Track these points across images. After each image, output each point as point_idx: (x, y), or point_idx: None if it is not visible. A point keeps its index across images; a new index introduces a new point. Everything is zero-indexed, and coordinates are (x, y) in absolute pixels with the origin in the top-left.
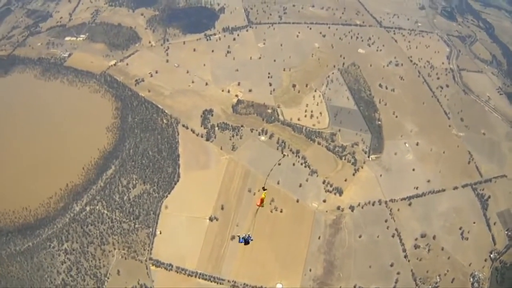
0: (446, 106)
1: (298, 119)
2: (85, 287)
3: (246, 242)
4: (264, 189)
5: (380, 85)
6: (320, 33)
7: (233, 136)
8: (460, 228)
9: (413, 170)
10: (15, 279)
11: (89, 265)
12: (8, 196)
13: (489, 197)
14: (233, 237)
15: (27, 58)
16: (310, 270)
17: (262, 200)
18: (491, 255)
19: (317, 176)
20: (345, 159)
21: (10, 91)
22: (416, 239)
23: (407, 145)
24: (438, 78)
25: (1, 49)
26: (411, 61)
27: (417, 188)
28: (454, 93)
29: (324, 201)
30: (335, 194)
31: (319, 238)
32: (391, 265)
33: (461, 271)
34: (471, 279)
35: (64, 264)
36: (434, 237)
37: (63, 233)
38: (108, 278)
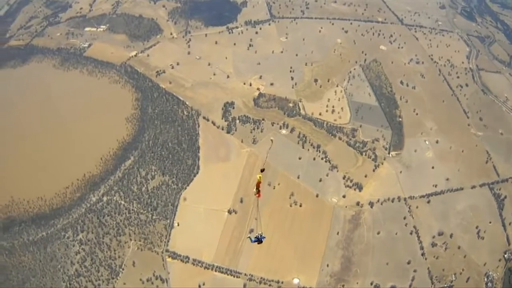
0: (465, 105)
1: (320, 114)
2: (99, 278)
3: (259, 241)
4: (262, 170)
5: (401, 82)
6: (342, 28)
7: (254, 129)
8: (477, 227)
9: (433, 167)
10: (27, 269)
11: (104, 256)
12: (23, 185)
13: (505, 197)
14: (251, 230)
15: (45, 48)
16: (328, 266)
17: (258, 185)
18: (505, 255)
19: (337, 171)
20: (365, 154)
21: (27, 80)
22: (433, 237)
23: (427, 142)
24: (458, 77)
25: (19, 39)
26: (431, 59)
27: (436, 186)
28: (473, 92)
29: (344, 196)
30: (354, 189)
31: (337, 233)
32: (408, 263)
33: (476, 271)
34: (485, 279)
35: (78, 255)
36: (451, 236)
37: (78, 223)
38: (123, 270)
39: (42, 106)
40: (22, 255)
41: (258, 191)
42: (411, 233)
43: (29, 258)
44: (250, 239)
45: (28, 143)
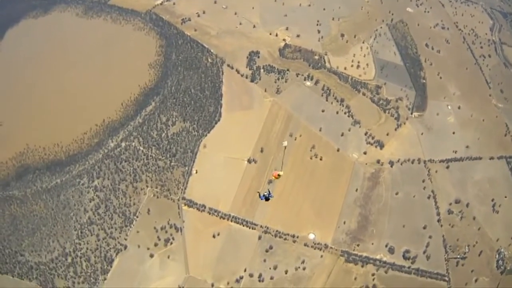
0: (487, 75)
1: (345, 68)
2: (112, 225)
3: (267, 199)
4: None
5: (427, 45)
6: None
7: (278, 79)
8: (492, 200)
9: (453, 133)
10: (38, 218)
11: (118, 203)
12: (40, 132)
13: None
14: (270, 181)
15: None
16: (344, 223)
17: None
18: None
19: (360, 127)
20: (388, 112)
21: (50, 29)
22: (450, 204)
23: (449, 107)
24: (481, 47)
25: None
26: (456, 26)
27: (455, 152)
28: (496, 64)
29: (365, 153)
30: (376, 147)
31: (356, 190)
32: (424, 228)
33: (488, 245)
34: (497, 256)
35: (92, 202)
36: (467, 205)
37: (94, 169)
38: (137, 217)
39: (64, 54)
40: (34, 204)
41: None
42: (428, 197)
43: (41, 207)
44: (259, 194)
45: (47, 90)
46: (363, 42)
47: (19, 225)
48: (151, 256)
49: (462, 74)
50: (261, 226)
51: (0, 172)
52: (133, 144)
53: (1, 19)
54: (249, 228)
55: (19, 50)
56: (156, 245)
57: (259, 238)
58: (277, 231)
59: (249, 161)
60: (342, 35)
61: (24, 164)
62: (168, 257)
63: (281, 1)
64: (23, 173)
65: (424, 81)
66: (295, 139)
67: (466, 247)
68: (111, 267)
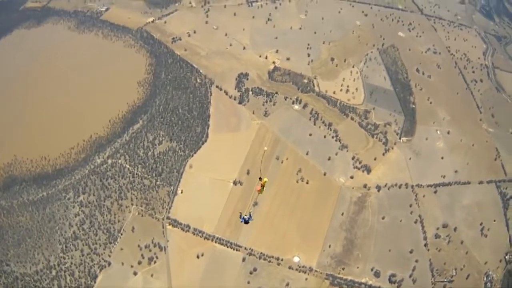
0: (479, 100)
1: (334, 92)
2: (96, 241)
3: (246, 222)
4: (260, 179)
5: (417, 70)
6: (362, 12)
7: (266, 102)
8: (481, 224)
9: (442, 158)
10: (24, 230)
11: (103, 219)
12: (28, 145)
13: (511, 197)
14: (255, 204)
15: (62, 10)
16: (330, 247)
17: (262, 186)
18: (506, 257)
19: (347, 151)
20: (376, 137)
21: (42, 41)
22: (437, 229)
23: (438, 132)
24: (473, 72)
25: (36, 1)
26: (449, 51)
27: (444, 176)
28: (487, 89)
29: (352, 177)
30: (363, 171)
31: (342, 214)
32: (411, 252)
33: (476, 269)
34: (485, 278)
35: (77, 217)
36: (455, 229)
37: (80, 184)
38: (121, 234)
39: (54, 66)
40: (20, 215)
41: (260, 188)
42: (415, 222)
43: (27, 218)
44: (240, 215)
45: (37, 103)
46: (353, 67)
47: (5, 235)
48: (135, 274)
49: (453, 99)
50: (245, 248)
51: None
52: (120, 161)
53: None
54: (234, 249)
55: (10, 61)
56: (140, 263)
57: (243, 260)
58: (261, 253)
59: (234, 183)
60: (332, 59)
61: (12, 175)
62: (152, 275)
63: (272, 24)
64: (11, 184)
65: (413, 106)
66: (282, 162)
67: (453, 271)
68: (94, 283)
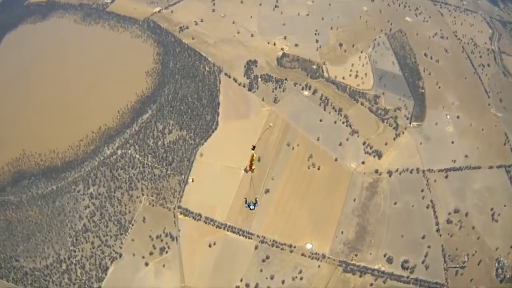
0: (486, 84)
1: (343, 78)
2: (107, 233)
3: (248, 206)
4: (253, 147)
5: (425, 55)
6: None
7: (276, 88)
8: (491, 209)
9: (452, 142)
10: (33, 224)
11: (114, 210)
12: (37, 138)
13: None
14: (267, 191)
15: (67, 4)
16: (342, 233)
17: (251, 160)
18: None
19: (358, 136)
20: (387, 122)
21: (48, 35)
22: (449, 214)
23: (448, 116)
24: (480, 57)
25: None
26: (456, 36)
27: (454, 161)
28: (495, 73)
29: (363, 162)
30: (374, 156)
31: (354, 200)
32: (423, 237)
33: (488, 254)
34: (496, 264)
35: (87, 209)
36: (466, 214)
37: (90, 176)
38: (132, 225)
39: (61, 59)
40: (29, 210)
41: (251, 167)
42: (427, 207)
43: (36, 213)
44: (245, 200)
45: (44, 96)
46: (362, 52)
47: (14, 230)
48: (146, 264)
49: (461, 83)
50: (257, 236)
51: None
52: (129, 151)
53: (0, 24)
54: (246, 237)
55: (16, 55)
56: (151, 253)
57: (256, 247)
58: (274, 240)
59: (245, 170)
60: (341, 45)
61: (20, 170)
62: (164, 266)
63: (280, 10)
64: (19, 178)
65: (422, 90)
66: (293, 149)
67: (465, 256)
68: (106, 275)
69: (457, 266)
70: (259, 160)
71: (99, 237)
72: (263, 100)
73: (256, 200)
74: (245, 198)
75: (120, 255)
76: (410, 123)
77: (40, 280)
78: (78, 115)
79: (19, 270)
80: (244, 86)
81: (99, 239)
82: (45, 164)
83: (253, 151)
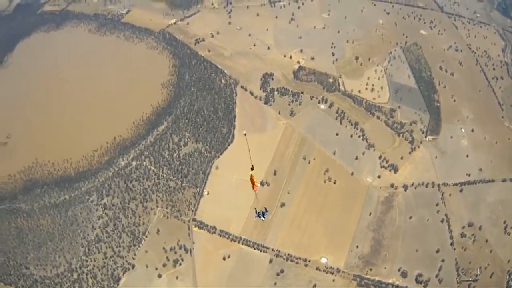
0: (500, 97)
1: (359, 91)
2: (120, 244)
3: (258, 216)
4: (252, 168)
5: (440, 68)
6: (384, 10)
7: (292, 101)
8: (504, 222)
9: (467, 156)
10: (44, 233)
11: (127, 222)
12: (50, 147)
13: None
14: (283, 205)
15: (81, 13)
16: (357, 247)
17: (253, 181)
18: None
19: (374, 150)
20: (402, 136)
21: (62, 44)
22: (463, 227)
23: (463, 130)
24: (494, 69)
25: (54, 4)
26: (469, 48)
27: (469, 175)
28: (508, 86)
29: (379, 176)
30: (390, 170)
31: (369, 214)
32: (437, 251)
33: (500, 267)
34: (507, 276)
35: (100, 219)
36: (480, 228)
37: (104, 187)
38: (146, 237)
39: (75, 69)
40: (41, 218)
41: (253, 186)
42: (442, 221)
43: (48, 222)
44: (256, 211)
45: (59, 106)
46: (378, 65)
47: (25, 238)
48: (159, 276)
49: (475, 96)
50: (272, 250)
51: (8, 184)
52: (144, 163)
53: (13, 31)
54: (260, 251)
55: (29, 63)
56: (164, 265)
57: (270, 261)
58: (288, 254)
59: (261, 183)
60: (357, 58)
61: (33, 178)
62: (177, 278)
63: (296, 24)
64: (31, 187)
65: (438, 104)
66: (309, 162)
67: (478, 270)
68: (117, 285)
69: (470, 279)
70: (274, 174)
71: (112, 247)
72: (279, 113)
73: (265, 209)
74: (255, 209)
75: (133, 266)
76: (425, 137)
77: None
78: (92, 125)
79: (29, 277)
80: (260, 99)
81: (112, 250)
82: (58, 173)
83: (251, 172)
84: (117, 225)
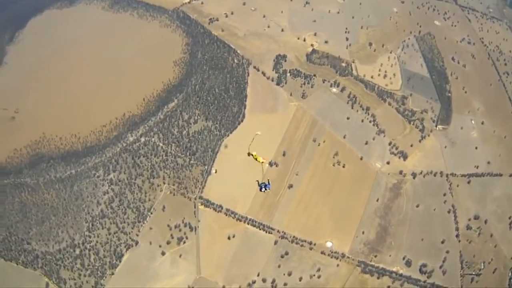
0: (510, 92)
1: (372, 77)
2: (125, 220)
3: (260, 188)
4: (249, 154)
5: (453, 59)
6: None
7: (304, 84)
8: (510, 218)
9: (476, 148)
10: (48, 208)
11: (133, 197)
12: (58, 122)
13: None
14: (290, 186)
15: None
16: (363, 233)
17: (258, 159)
18: None
19: (384, 136)
20: (413, 124)
21: (75, 20)
22: (469, 220)
23: (473, 122)
24: (505, 64)
25: None
26: (482, 42)
27: (477, 167)
28: None
29: (388, 163)
30: (399, 157)
31: (377, 200)
32: (442, 242)
33: (503, 263)
34: (510, 273)
35: (106, 195)
36: (485, 221)
37: (111, 162)
38: (151, 213)
39: (87, 46)
40: (45, 193)
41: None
42: (448, 212)
43: (53, 196)
44: (258, 183)
45: (69, 82)
46: (391, 52)
47: (28, 213)
48: (163, 254)
49: (487, 89)
50: (278, 231)
51: (14, 159)
52: (153, 139)
53: (25, 8)
54: (266, 232)
55: (40, 40)
56: (168, 243)
57: (275, 243)
58: (294, 237)
59: (270, 164)
60: (370, 44)
61: (39, 153)
62: (180, 256)
63: (310, 7)
64: (37, 161)
65: (449, 94)
66: (319, 145)
67: (482, 264)
68: (120, 262)
69: (473, 273)
70: (284, 155)
71: (116, 223)
72: (291, 95)
73: (268, 182)
74: (257, 181)
75: (137, 243)
76: (436, 126)
77: (51, 264)
78: (102, 101)
79: (30, 253)
80: (272, 80)
81: (116, 226)
82: (65, 148)
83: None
84: (123, 200)
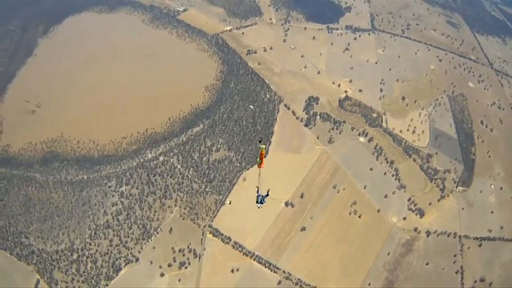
0: None
1: (400, 131)
2: (129, 235)
3: (257, 200)
4: (260, 141)
5: (482, 122)
6: (437, 56)
7: (332, 129)
8: None
9: (492, 212)
10: (53, 207)
11: (141, 214)
12: (78, 124)
13: None
14: (303, 229)
15: (137, 2)
16: (369, 284)
17: (261, 156)
18: None
19: (404, 191)
20: (434, 183)
21: (111, 27)
22: (475, 281)
23: (492, 186)
24: None
25: None
26: (511, 108)
27: (490, 231)
28: None
29: (404, 218)
30: (416, 214)
31: (388, 254)
32: None
33: None
34: None
35: (114, 206)
36: (490, 284)
37: (125, 175)
38: (157, 233)
39: (120, 54)
40: (53, 192)
41: (260, 162)
42: (456, 272)
43: (60, 197)
44: (257, 189)
45: (95, 87)
46: (422, 109)
47: (32, 208)
48: (162, 275)
49: (509, 155)
50: (283, 271)
51: (27, 151)
52: (172, 160)
53: (65, 4)
54: (271, 270)
55: (73, 39)
56: (170, 265)
57: (279, 283)
58: (299, 279)
59: (286, 204)
60: (403, 98)
61: (54, 151)
62: (179, 280)
63: (349, 54)
64: (50, 159)
65: (473, 157)
66: (338, 192)
67: None
68: (116, 275)
69: None
70: (301, 197)
71: (120, 236)
72: (317, 138)
73: (268, 193)
74: (257, 187)
75: (137, 260)
76: (456, 187)
77: (46, 262)
78: (126, 112)
79: (26, 247)
80: (301, 121)
81: (119, 239)
82: (81, 152)
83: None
84: (130, 215)
